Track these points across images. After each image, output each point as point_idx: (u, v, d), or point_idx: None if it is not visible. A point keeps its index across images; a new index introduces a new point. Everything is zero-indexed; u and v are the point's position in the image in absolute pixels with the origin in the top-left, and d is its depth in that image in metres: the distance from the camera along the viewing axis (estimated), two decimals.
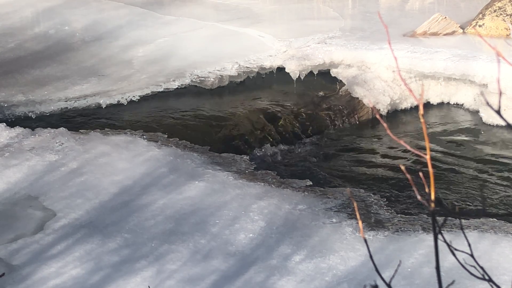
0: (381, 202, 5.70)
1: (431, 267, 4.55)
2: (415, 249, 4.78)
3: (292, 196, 5.56)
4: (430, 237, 4.93)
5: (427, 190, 1.32)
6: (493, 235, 4.97)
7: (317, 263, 4.63)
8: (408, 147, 1.38)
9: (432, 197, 1.29)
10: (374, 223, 5.20)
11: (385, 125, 1.35)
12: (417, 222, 5.26)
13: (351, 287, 4.39)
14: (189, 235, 4.95)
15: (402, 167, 1.41)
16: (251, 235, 4.96)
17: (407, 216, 5.43)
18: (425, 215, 5.47)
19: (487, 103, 1.21)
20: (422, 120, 1.26)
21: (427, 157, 1.26)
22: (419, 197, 1.31)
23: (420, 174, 1.32)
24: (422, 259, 4.66)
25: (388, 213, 5.44)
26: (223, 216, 5.20)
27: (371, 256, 1.36)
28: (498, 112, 1.18)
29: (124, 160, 6.08)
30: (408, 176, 1.35)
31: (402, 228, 5.10)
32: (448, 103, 8.53)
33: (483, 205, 6.29)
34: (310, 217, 5.23)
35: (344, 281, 4.45)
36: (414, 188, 1.31)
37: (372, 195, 5.85)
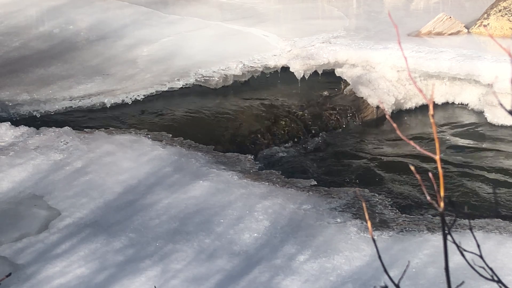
0: (386, 202, 5.69)
1: (436, 267, 4.54)
2: (420, 249, 4.77)
3: (297, 196, 5.56)
4: (435, 237, 4.93)
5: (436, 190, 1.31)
6: (498, 235, 4.96)
7: (321, 263, 4.62)
8: (418, 148, 1.37)
9: (442, 197, 1.28)
10: (378, 223, 5.19)
11: (394, 125, 1.34)
12: (422, 222, 5.25)
13: (356, 287, 4.38)
14: (194, 235, 4.95)
15: (412, 168, 1.41)
16: (255, 234, 4.96)
17: (411, 216, 5.42)
18: (430, 215, 5.47)
19: (500, 104, 1.21)
20: (432, 120, 1.26)
21: (437, 157, 1.26)
22: (428, 197, 1.30)
23: (430, 174, 1.32)
24: (427, 259, 4.65)
25: (393, 213, 5.43)
26: (228, 215, 5.20)
27: (379, 257, 1.35)
28: (511, 112, 1.17)
29: (129, 159, 6.09)
30: (418, 176, 1.34)
31: (407, 228, 5.09)
32: (453, 103, 8.52)
33: (488, 205, 6.28)
34: (315, 216, 5.22)
35: (349, 281, 4.44)
36: (423, 188, 1.30)
37: (377, 195, 5.84)
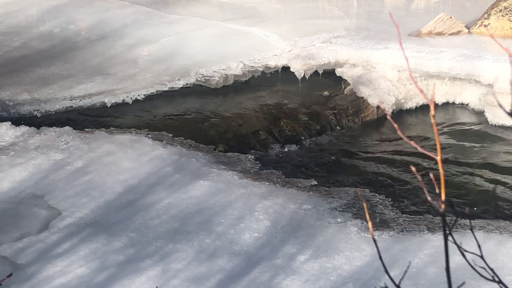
0: (386, 202, 5.69)
1: (437, 267, 4.54)
2: (420, 249, 4.77)
3: (297, 196, 5.56)
4: (435, 237, 4.93)
5: (437, 191, 1.31)
6: (498, 235, 4.96)
7: (322, 263, 4.62)
8: (419, 148, 1.37)
9: (443, 198, 1.28)
10: (379, 223, 5.19)
11: (395, 125, 1.34)
12: (422, 222, 5.26)
13: (356, 287, 4.39)
14: (194, 235, 4.95)
15: (413, 168, 1.41)
16: (256, 234, 4.96)
17: (412, 216, 5.43)
18: (430, 215, 5.47)
19: (500, 105, 1.21)
20: (433, 120, 1.26)
21: (438, 158, 1.26)
22: (429, 198, 1.30)
23: (431, 175, 1.32)
24: (427, 259, 4.65)
25: (393, 213, 5.43)
26: (228, 215, 5.20)
27: (380, 257, 1.35)
28: (511, 114, 1.17)
29: (129, 159, 6.09)
30: (419, 176, 1.34)
31: (407, 228, 5.10)
32: (453, 103, 8.51)
33: (489, 205, 6.27)
34: (315, 216, 5.23)
35: (349, 281, 4.45)
36: (424, 189, 1.30)
37: (377, 195, 5.84)
